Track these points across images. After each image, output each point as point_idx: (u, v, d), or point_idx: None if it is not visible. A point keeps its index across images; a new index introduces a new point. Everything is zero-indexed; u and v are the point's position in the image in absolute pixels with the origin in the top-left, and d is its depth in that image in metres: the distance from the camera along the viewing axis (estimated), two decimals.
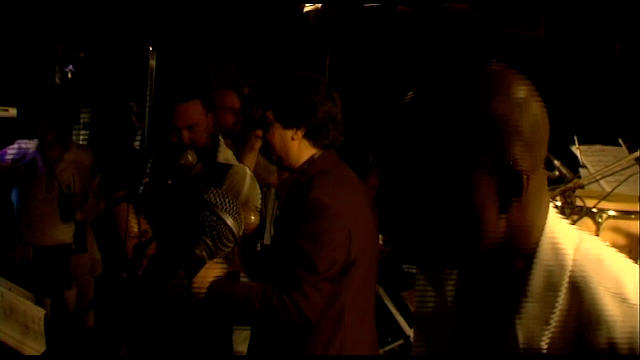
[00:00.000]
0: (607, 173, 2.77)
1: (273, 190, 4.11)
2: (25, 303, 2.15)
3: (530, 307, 1.01)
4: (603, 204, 2.75)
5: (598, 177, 2.81)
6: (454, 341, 1.14)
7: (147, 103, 6.17)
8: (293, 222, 2.23)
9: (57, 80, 6.49)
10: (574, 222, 2.67)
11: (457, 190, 0.98)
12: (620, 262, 1.04)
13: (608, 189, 2.86)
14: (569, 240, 1.04)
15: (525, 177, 0.98)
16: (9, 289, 2.20)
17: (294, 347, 2.28)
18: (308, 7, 5.89)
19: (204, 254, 0.98)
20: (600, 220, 2.74)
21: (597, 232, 2.72)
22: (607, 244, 2.72)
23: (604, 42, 6.09)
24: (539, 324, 1.00)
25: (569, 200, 2.71)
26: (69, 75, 6.92)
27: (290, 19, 6.32)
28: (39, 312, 2.15)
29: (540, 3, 6.14)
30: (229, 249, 1.03)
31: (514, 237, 1.02)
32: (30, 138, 4.40)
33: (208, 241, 0.99)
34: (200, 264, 0.97)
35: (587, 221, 2.74)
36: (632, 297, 0.97)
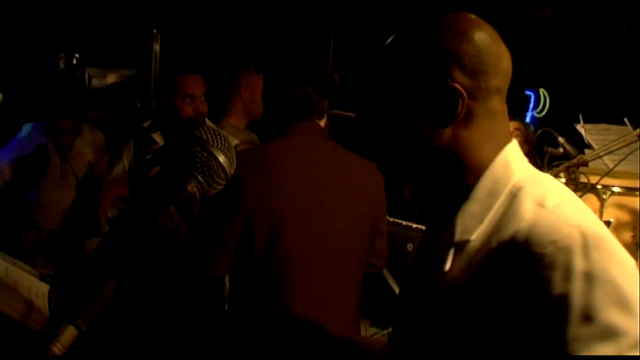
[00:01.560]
0: (611, 149, 2.76)
1: None
2: (29, 278, 2.16)
3: (472, 207, 1.17)
4: (607, 181, 2.74)
5: (602, 154, 2.79)
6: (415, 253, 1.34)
7: (151, 87, 6.16)
8: None
9: (61, 65, 6.49)
10: None
11: (405, 103, 1.20)
12: (556, 186, 1.18)
13: (612, 166, 2.84)
14: (522, 166, 1.21)
15: (460, 98, 1.15)
16: (14, 265, 2.20)
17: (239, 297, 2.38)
18: None
19: (195, 190, 0.97)
20: (604, 196, 2.73)
21: (601, 209, 2.72)
22: (612, 220, 2.73)
23: (610, 23, 6.05)
24: (475, 221, 1.16)
25: (572, 176, 2.70)
26: (74, 61, 6.92)
27: (294, 1, 6.30)
28: (44, 287, 2.16)
29: None
30: (220, 187, 1.03)
31: (462, 154, 1.18)
32: (36, 121, 4.38)
33: (199, 177, 0.98)
34: (191, 199, 0.96)
35: (591, 197, 2.73)
36: (550, 204, 1.10)
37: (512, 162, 1.19)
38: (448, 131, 1.18)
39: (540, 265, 1.03)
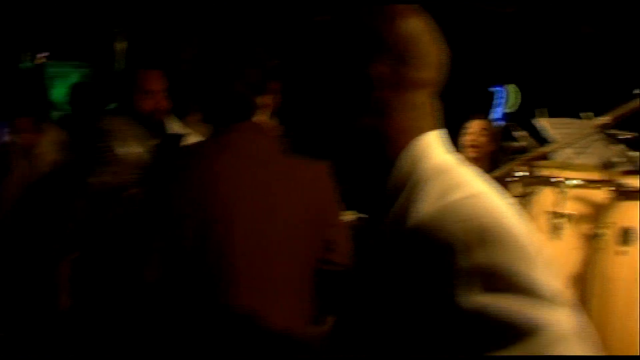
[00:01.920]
0: (570, 142, 2.78)
1: None
2: None
3: (386, 203, 1.11)
4: (568, 174, 2.76)
5: (561, 147, 2.81)
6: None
7: (115, 86, 6.08)
8: None
9: (24, 64, 6.40)
10: (536, 191, 2.68)
11: (328, 86, 1.15)
12: (467, 177, 1.09)
13: (574, 159, 2.86)
14: (434, 157, 1.13)
15: (377, 85, 1.10)
16: None
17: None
18: None
19: (98, 180, 0.96)
20: (564, 189, 2.75)
21: (561, 202, 2.73)
22: (572, 212, 2.74)
23: (571, 19, 6.12)
24: (385, 218, 1.10)
25: (531, 170, 2.71)
26: (37, 60, 6.83)
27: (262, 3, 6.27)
28: None
29: None
30: (133, 176, 1.02)
31: (381, 145, 1.14)
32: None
33: (104, 168, 0.97)
34: (102, 190, 0.95)
35: (550, 190, 2.74)
36: (452, 198, 1.03)
37: (421, 153, 1.12)
38: (367, 120, 1.12)
39: (438, 263, 0.96)
